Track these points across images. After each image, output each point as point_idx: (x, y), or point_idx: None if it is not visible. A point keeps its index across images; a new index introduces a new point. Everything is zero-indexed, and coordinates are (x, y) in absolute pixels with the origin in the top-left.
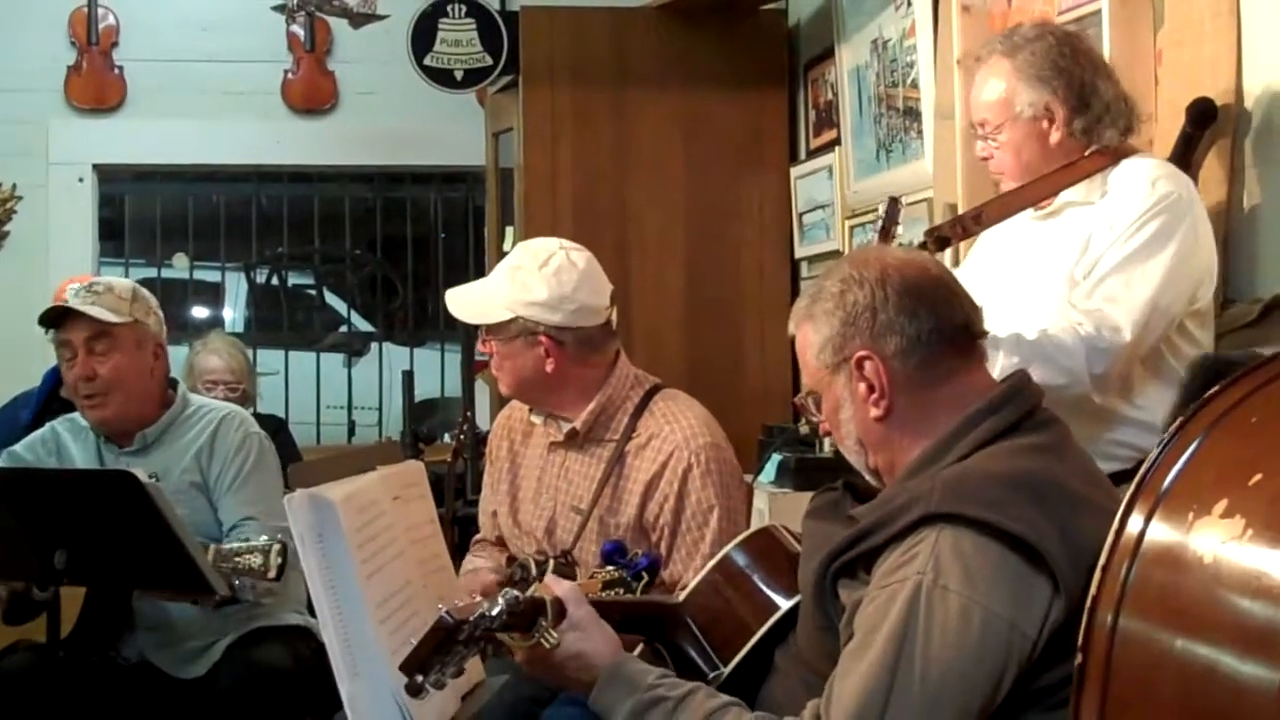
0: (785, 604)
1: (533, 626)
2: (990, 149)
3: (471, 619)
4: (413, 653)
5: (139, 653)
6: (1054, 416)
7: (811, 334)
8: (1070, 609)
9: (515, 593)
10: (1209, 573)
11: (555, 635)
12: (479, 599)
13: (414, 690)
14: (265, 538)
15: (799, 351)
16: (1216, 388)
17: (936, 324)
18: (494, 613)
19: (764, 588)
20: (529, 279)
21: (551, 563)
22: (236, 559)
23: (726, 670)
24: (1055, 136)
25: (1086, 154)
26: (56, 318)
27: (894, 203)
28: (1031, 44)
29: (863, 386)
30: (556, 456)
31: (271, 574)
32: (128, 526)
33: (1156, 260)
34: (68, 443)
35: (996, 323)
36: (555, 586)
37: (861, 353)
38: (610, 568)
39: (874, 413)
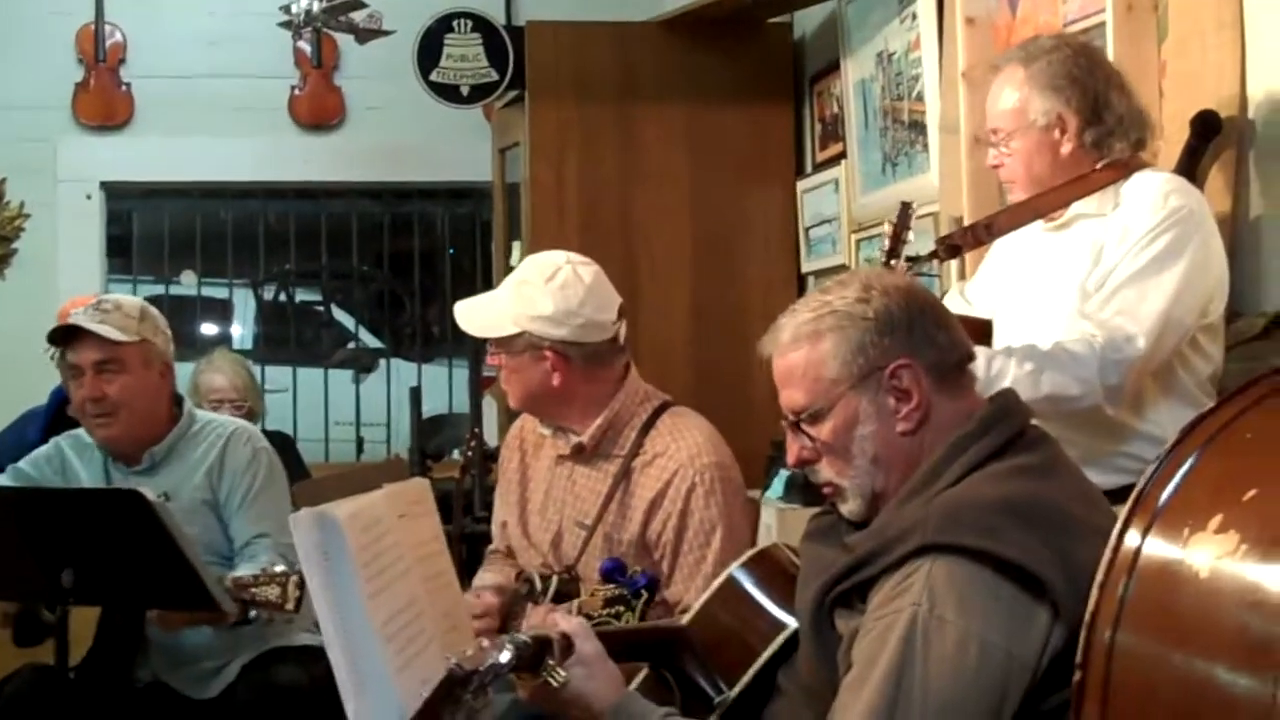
0: (789, 625)
1: (540, 665)
2: (1001, 157)
3: (481, 669)
4: (424, 705)
5: (152, 673)
6: (1044, 434)
7: (826, 347)
8: (1071, 632)
9: (524, 637)
10: (1205, 587)
11: (562, 674)
12: (485, 645)
13: None
14: (283, 566)
15: (794, 369)
16: (1211, 405)
17: (954, 339)
18: (503, 660)
19: (767, 609)
20: (535, 293)
21: (556, 578)
22: (254, 589)
23: (733, 694)
24: (1066, 147)
25: (1098, 166)
26: (64, 337)
27: (905, 208)
28: (1048, 54)
29: (892, 399)
30: (564, 470)
31: (289, 606)
32: (135, 546)
33: (1169, 273)
34: (73, 461)
35: (1008, 333)
36: (563, 622)
37: (900, 361)
38: (610, 585)
39: (902, 426)
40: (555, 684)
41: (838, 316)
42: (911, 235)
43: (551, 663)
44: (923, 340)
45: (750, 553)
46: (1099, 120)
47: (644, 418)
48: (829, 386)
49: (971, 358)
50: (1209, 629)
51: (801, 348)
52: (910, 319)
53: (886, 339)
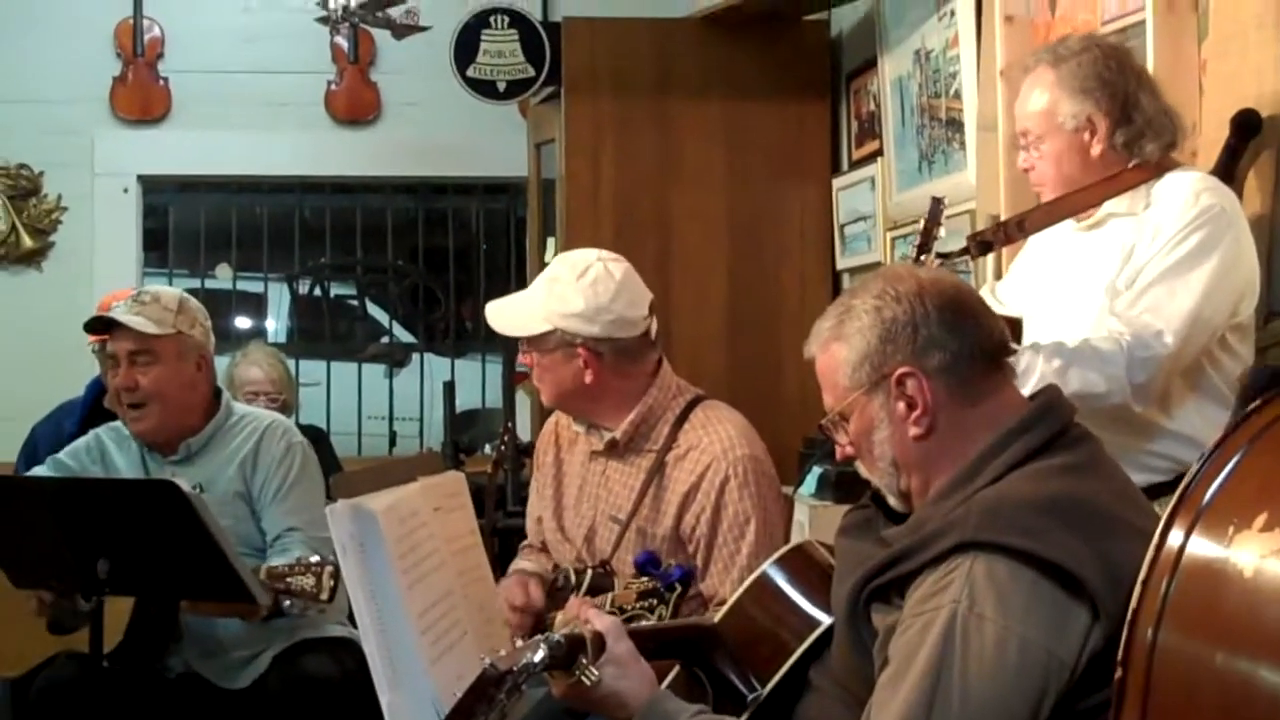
0: (822, 622)
1: (573, 664)
2: (1032, 159)
3: (516, 669)
4: (458, 705)
5: (185, 663)
6: (1086, 432)
7: (844, 352)
8: (1110, 633)
9: (557, 637)
10: (1249, 586)
11: (595, 672)
12: (520, 645)
13: None
14: (317, 557)
15: (824, 372)
16: (1259, 401)
17: (977, 340)
18: (537, 659)
19: (800, 606)
20: (566, 291)
21: (590, 573)
22: (289, 579)
23: (765, 691)
24: (1096, 149)
25: (1130, 166)
26: (101, 327)
27: (937, 203)
28: (1077, 56)
29: (902, 405)
30: (597, 465)
31: (324, 596)
32: (170, 536)
33: (1199, 272)
34: (112, 451)
35: (1038, 332)
36: (596, 620)
37: (904, 369)
38: (644, 578)
39: (913, 431)
40: (588, 683)
41: (850, 323)
42: (943, 231)
43: (584, 661)
44: (929, 346)
45: (783, 550)
46: (1129, 121)
47: (677, 412)
48: (845, 392)
49: (1006, 350)
50: (1253, 628)
51: (825, 352)
52: (915, 325)
53: (889, 345)
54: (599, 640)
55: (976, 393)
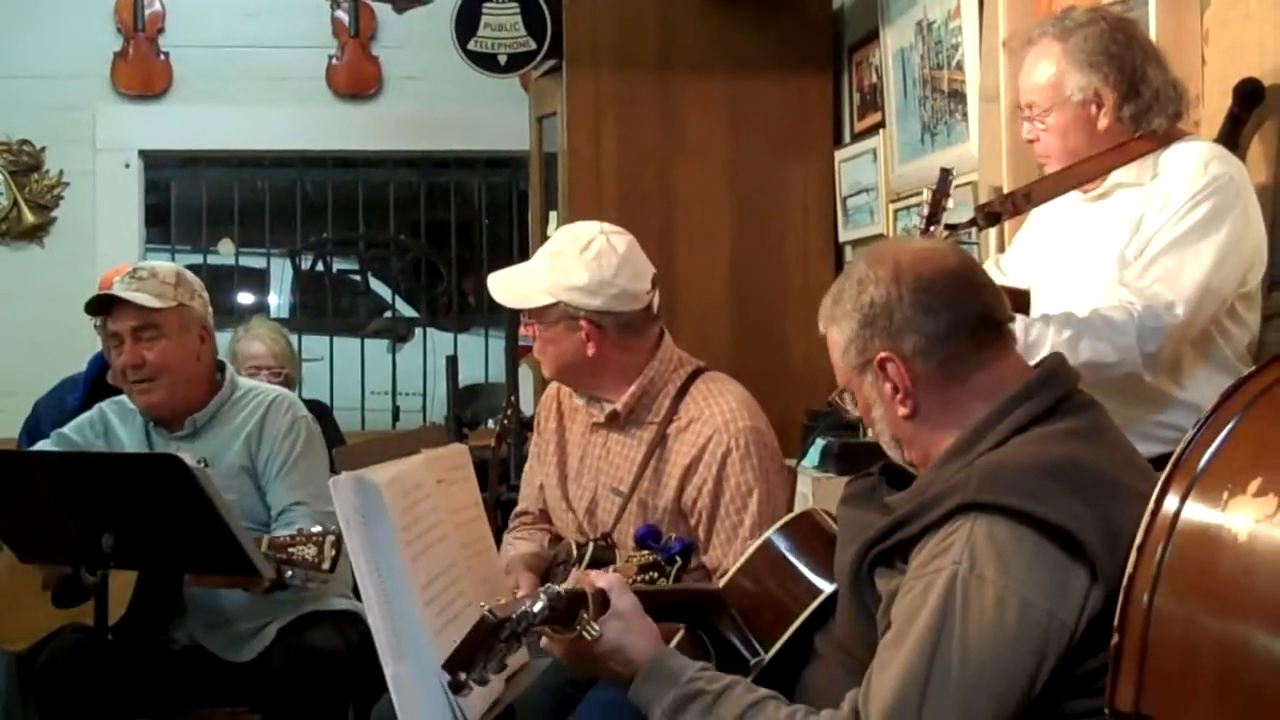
0: (826, 589)
1: (574, 619)
2: (1037, 131)
3: (514, 616)
4: (455, 651)
5: (189, 636)
6: (1091, 400)
7: (836, 335)
8: (1109, 596)
9: (557, 589)
10: (1244, 551)
11: (597, 627)
12: (521, 596)
13: (457, 688)
14: (319, 527)
15: (830, 351)
16: (1254, 368)
17: (954, 319)
18: (536, 609)
19: (804, 573)
20: (569, 264)
21: (592, 545)
22: (290, 549)
23: (768, 656)
24: (1103, 122)
25: (1136, 136)
26: (103, 305)
27: (945, 174)
28: (1084, 28)
29: (888, 386)
30: (598, 437)
31: (325, 565)
32: (174, 510)
33: (1209, 241)
34: (115, 426)
35: (1046, 303)
36: (599, 578)
37: (883, 354)
38: (644, 551)
39: (901, 411)
40: (589, 638)
41: (840, 306)
42: (950, 202)
43: (586, 616)
44: (903, 329)
45: (787, 517)
46: (1136, 95)
47: (678, 384)
48: (844, 372)
49: (992, 324)
50: (1248, 592)
51: (826, 332)
52: (890, 309)
53: (868, 330)
54: (601, 597)
55: (963, 369)
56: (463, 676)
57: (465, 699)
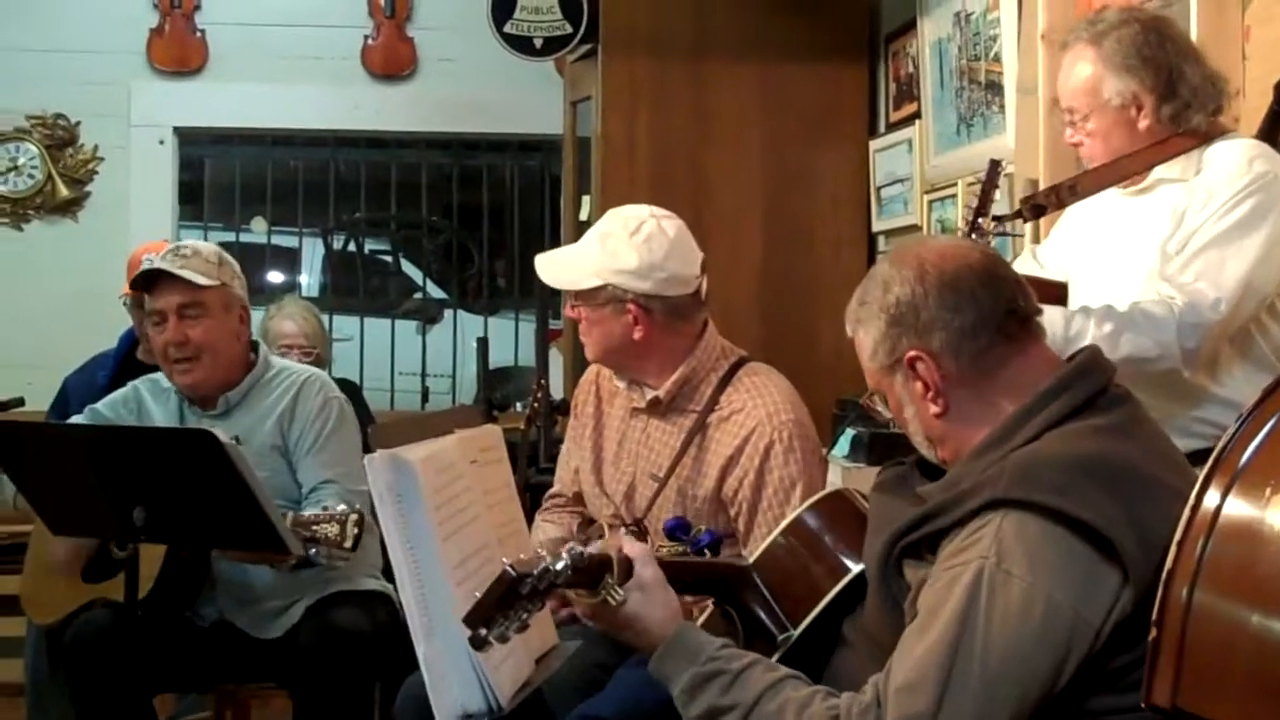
0: (855, 568)
1: (598, 583)
2: (1080, 134)
3: (535, 572)
4: (476, 605)
5: (218, 612)
6: (1127, 393)
7: (864, 337)
8: (1140, 596)
9: (580, 548)
10: None
11: (621, 592)
12: (543, 554)
13: (477, 643)
14: (344, 506)
15: (859, 354)
16: None
17: (980, 314)
18: (558, 567)
19: (835, 550)
20: (619, 246)
21: (623, 530)
22: (314, 527)
23: (796, 632)
24: (1144, 124)
25: (1179, 132)
26: (147, 282)
27: (995, 166)
28: (1116, 30)
29: (919, 385)
30: (638, 422)
31: (348, 544)
32: (206, 486)
33: (1251, 238)
34: (149, 403)
35: (1086, 295)
36: (626, 546)
37: (912, 352)
38: (673, 543)
39: (933, 409)
40: (613, 602)
41: (866, 307)
42: (999, 194)
43: (610, 580)
44: (930, 326)
45: (820, 494)
46: (1174, 95)
47: (721, 373)
48: (873, 374)
49: (1019, 318)
50: None
51: (854, 334)
52: (916, 307)
53: (895, 329)
54: (626, 563)
55: (990, 364)
56: (483, 632)
57: (496, 678)
